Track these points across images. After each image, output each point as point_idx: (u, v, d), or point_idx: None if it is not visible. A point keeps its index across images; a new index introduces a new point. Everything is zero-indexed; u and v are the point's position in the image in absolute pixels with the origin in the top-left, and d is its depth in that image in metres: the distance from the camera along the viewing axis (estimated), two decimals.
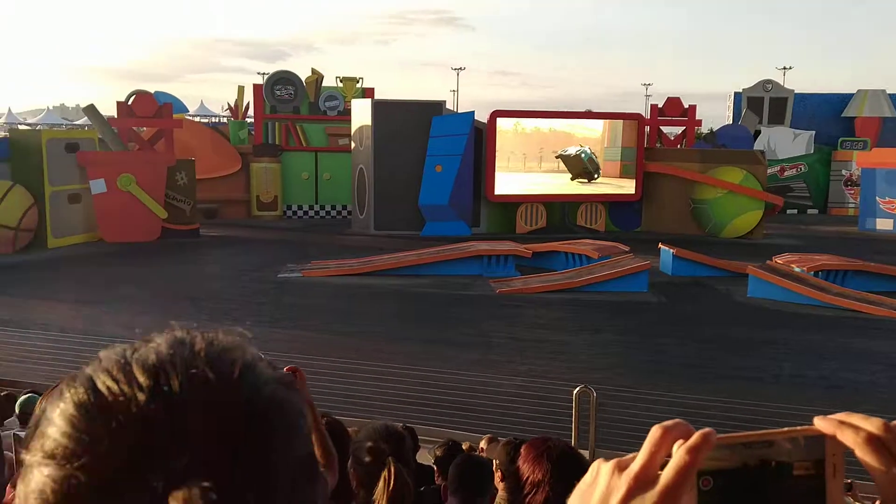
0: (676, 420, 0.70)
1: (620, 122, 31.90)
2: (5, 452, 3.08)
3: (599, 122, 32.07)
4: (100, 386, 0.62)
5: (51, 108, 55.53)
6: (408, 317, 17.62)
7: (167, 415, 0.60)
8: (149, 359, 0.65)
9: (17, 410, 6.63)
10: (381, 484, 2.43)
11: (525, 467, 2.19)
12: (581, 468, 2.06)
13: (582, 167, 31.27)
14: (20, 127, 41.60)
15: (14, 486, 2.21)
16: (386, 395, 11.19)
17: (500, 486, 3.41)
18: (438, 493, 3.89)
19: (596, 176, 31.51)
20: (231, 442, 0.62)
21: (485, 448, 6.98)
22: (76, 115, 50.35)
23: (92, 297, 19.10)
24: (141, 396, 0.61)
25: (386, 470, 2.42)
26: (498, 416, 10.31)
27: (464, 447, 6.96)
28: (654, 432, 0.69)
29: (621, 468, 0.68)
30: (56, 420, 0.61)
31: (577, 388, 9.36)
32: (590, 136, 31.64)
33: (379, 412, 10.02)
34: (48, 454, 0.60)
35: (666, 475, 0.65)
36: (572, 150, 31.24)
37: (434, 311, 18.26)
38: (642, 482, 0.66)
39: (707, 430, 0.68)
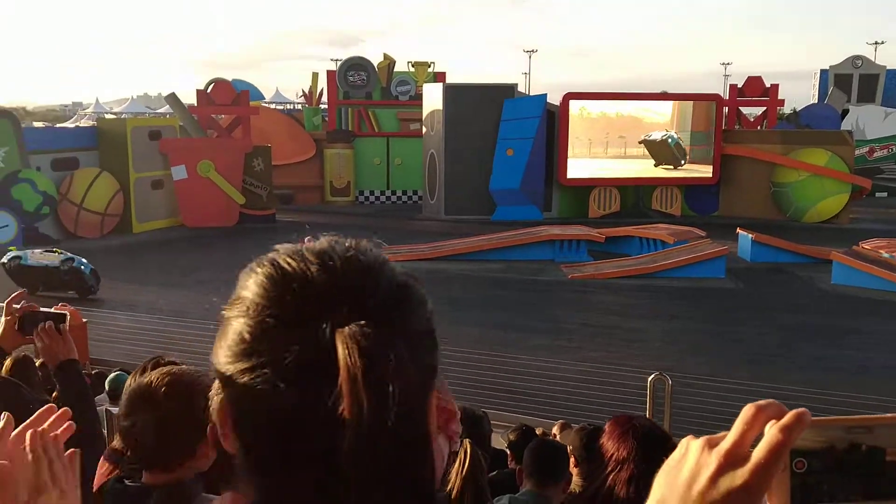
0: (770, 400, 0.69)
1: (690, 105, 31.02)
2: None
3: (668, 106, 31.23)
4: (281, 263, 0.81)
5: (135, 97, 57.58)
6: (478, 302, 17.63)
7: (331, 280, 0.78)
8: (316, 246, 0.84)
9: (106, 388, 6.95)
10: (456, 464, 2.45)
11: (609, 444, 2.17)
12: (666, 447, 2.05)
13: (669, 153, 30.49)
14: (106, 116, 43.30)
15: (107, 460, 2.31)
16: (456, 379, 11.24)
17: (574, 471, 3.40)
18: (513, 477, 3.89)
19: (683, 162, 30.73)
20: (379, 299, 0.79)
21: (557, 434, 6.93)
22: (159, 104, 52.08)
23: (174, 280, 19.80)
24: (312, 269, 0.80)
25: (462, 451, 2.43)
26: (569, 403, 10.23)
27: (537, 433, 6.95)
28: (747, 410, 0.68)
29: (711, 445, 0.68)
30: (250, 286, 0.82)
31: (652, 376, 9.19)
32: (658, 120, 30.88)
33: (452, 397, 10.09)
34: (244, 311, 0.81)
35: (758, 453, 0.65)
36: (657, 135, 30.49)
37: (505, 297, 18.22)
38: (733, 460, 0.66)
39: (801, 409, 0.67)
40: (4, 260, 17.62)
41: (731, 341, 14.81)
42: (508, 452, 5.15)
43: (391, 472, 0.75)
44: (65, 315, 2.62)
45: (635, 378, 10.30)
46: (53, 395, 2.74)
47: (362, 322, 0.75)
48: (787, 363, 13.51)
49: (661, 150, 30.61)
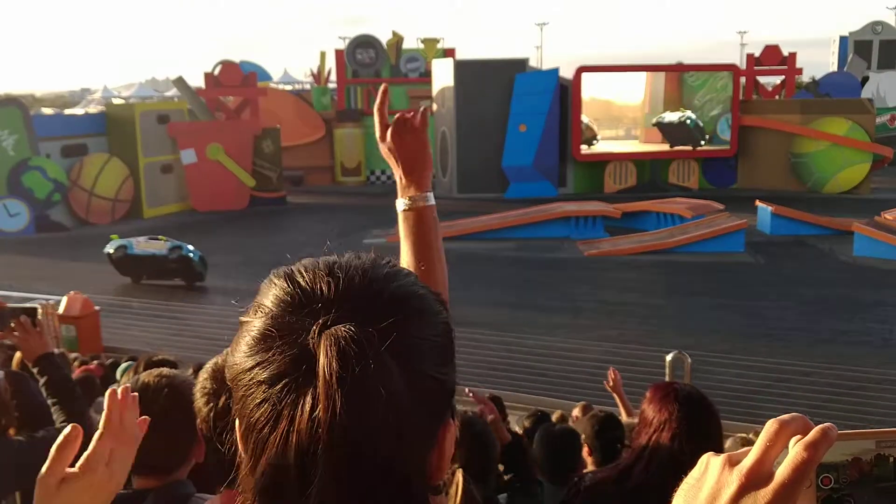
0: (794, 414, 0.65)
1: (662, 85, 30.53)
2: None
3: (641, 89, 30.73)
4: (295, 274, 0.84)
5: (143, 81, 57.45)
6: (493, 281, 17.40)
7: (329, 289, 0.80)
8: (331, 259, 0.86)
9: (118, 377, 6.79)
10: (447, 501, 2.20)
11: (650, 409, 2.16)
12: (709, 411, 2.13)
13: (686, 134, 29.92)
14: (114, 101, 43.19)
15: None
16: (473, 361, 11.04)
17: (588, 459, 3.23)
18: (529, 472, 3.66)
19: (703, 142, 30.20)
20: (377, 308, 0.79)
21: (578, 416, 6.71)
22: (167, 88, 51.93)
23: None
24: (321, 281, 0.82)
25: (454, 484, 2.19)
26: (587, 383, 9.99)
27: (554, 417, 6.72)
28: (770, 426, 0.64)
29: (732, 463, 0.65)
30: (268, 296, 0.84)
31: (671, 354, 8.95)
32: (630, 102, 30.56)
33: (467, 379, 9.89)
34: (261, 315, 0.82)
35: (782, 472, 0.62)
36: (674, 117, 30.00)
37: (520, 275, 17.98)
38: (755, 479, 0.63)
39: (827, 425, 0.64)
40: (110, 250, 17.32)
41: (751, 317, 14.51)
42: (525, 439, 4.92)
43: (364, 497, 0.74)
44: (36, 309, 2.67)
45: (654, 357, 10.05)
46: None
47: (348, 325, 0.76)
48: (809, 338, 13.21)
49: (677, 132, 30.09)
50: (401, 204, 1.47)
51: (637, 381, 9.74)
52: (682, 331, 13.47)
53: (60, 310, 11.53)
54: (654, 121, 30.17)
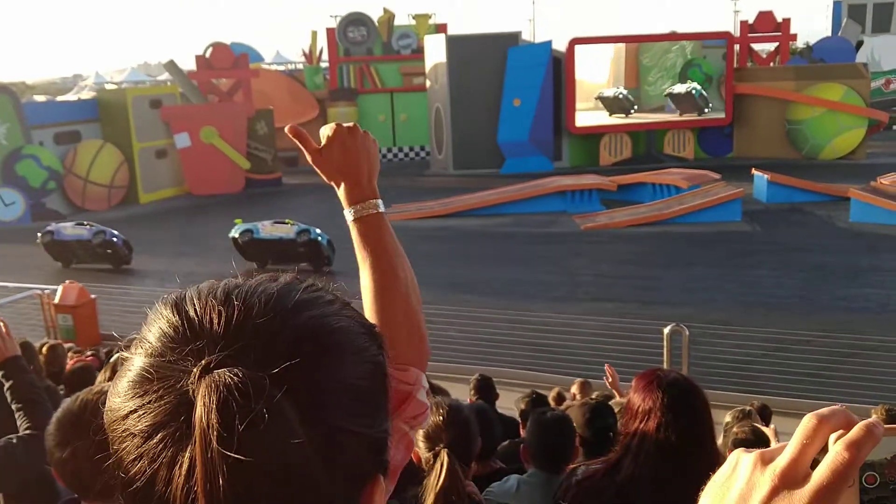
0: (833, 408, 0.60)
1: (623, 64, 30.94)
2: None
3: (606, 68, 31.18)
4: (187, 304, 0.71)
5: (135, 66, 56.99)
6: (491, 257, 17.42)
7: (219, 322, 0.67)
8: (231, 285, 0.72)
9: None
10: (431, 476, 2.22)
11: (635, 398, 2.12)
12: (694, 396, 2.08)
13: (692, 103, 30.37)
14: (106, 87, 42.87)
15: None
16: (472, 338, 11.08)
17: (579, 449, 3.19)
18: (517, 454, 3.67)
19: (707, 109, 30.47)
20: (272, 347, 0.66)
21: (577, 393, 6.75)
22: (159, 72, 51.53)
23: (185, 249, 19.69)
24: (213, 312, 0.68)
25: (438, 462, 2.18)
26: (586, 357, 10.02)
27: (550, 395, 6.76)
28: (808, 422, 0.59)
29: (765, 461, 0.59)
30: (153, 328, 0.71)
31: (669, 327, 8.98)
32: (597, 81, 31.27)
33: (465, 356, 9.95)
34: (141, 352, 0.70)
35: (821, 474, 0.56)
36: (682, 88, 30.42)
37: (517, 251, 17.98)
38: (790, 480, 0.57)
39: (871, 421, 0.58)
40: (235, 234, 17.15)
41: (748, 286, 14.55)
42: (520, 421, 4.96)
43: None
44: None
45: (652, 329, 10.07)
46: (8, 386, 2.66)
47: (235, 368, 0.63)
48: (808, 305, 13.25)
49: (685, 101, 30.55)
50: (349, 214, 1.34)
51: (636, 355, 9.81)
52: (680, 302, 13.52)
53: (56, 299, 11.52)
54: (665, 92, 30.78)
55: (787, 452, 0.58)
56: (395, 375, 1.21)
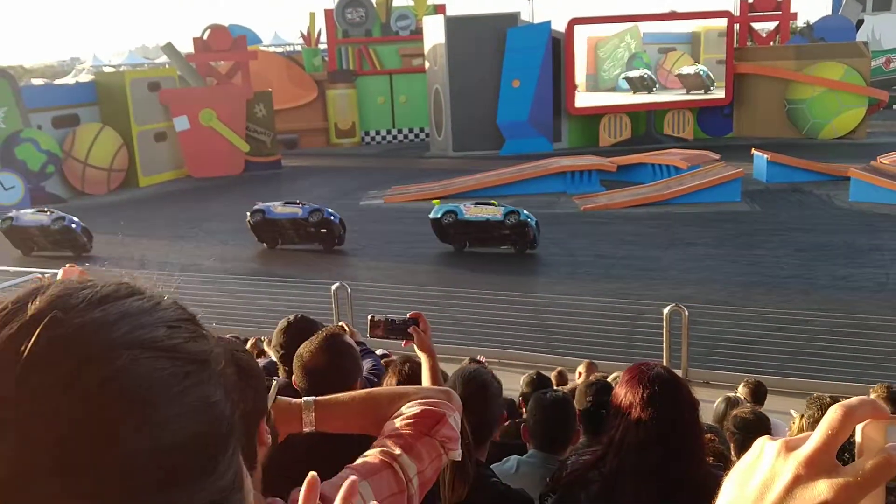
0: (861, 398, 0.60)
1: (585, 57, 31.04)
2: None
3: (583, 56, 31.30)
4: None
5: (133, 49, 56.75)
6: None
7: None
8: (50, 293, 0.59)
9: None
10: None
11: (620, 391, 2.13)
12: (678, 391, 2.08)
13: (700, 82, 30.82)
14: (104, 70, 42.66)
15: None
16: (474, 319, 11.12)
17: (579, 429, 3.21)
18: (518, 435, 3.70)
19: (712, 88, 30.78)
20: (46, 411, 0.53)
21: (583, 373, 6.78)
22: (156, 55, 51.25)
23: (184, 232, 19.70)
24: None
25: (449, 472, 2.18)
26: (587, 338, 10.07)
27: (552, 375, 6.80)
28: (834, 412, 0.58)
29: (790, 449, 0.59)
30: None
31: (668, 308, 9.02)
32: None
33: (468, 338, 9.98)
34: None
35: (861, 470, 0.56)
36: (690, 70, 30.97)
37: None
38: (814, 469, 0.57)
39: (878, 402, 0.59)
40: (437, 215, 16.44)
41: (748, 265, 14.58)
42: (521, 403, 4.99)
43: None
44: None
45: (652, 310, 10.11)
46: None
47: None
48: (807, 285, 13.28)
49: (694, 81, 30.89)
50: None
51: (636, 335, 9.87)
52: (680, 282, 13.55)
53: None
54: (675, 72, 31.26)
55: (811, 441, 0.58)
56: (430, 403, 1.30)
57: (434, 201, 17.46)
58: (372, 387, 3.26)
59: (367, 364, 3.76)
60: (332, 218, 16.97)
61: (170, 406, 0.57)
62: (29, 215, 17.73)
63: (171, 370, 0.58)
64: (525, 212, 16.12)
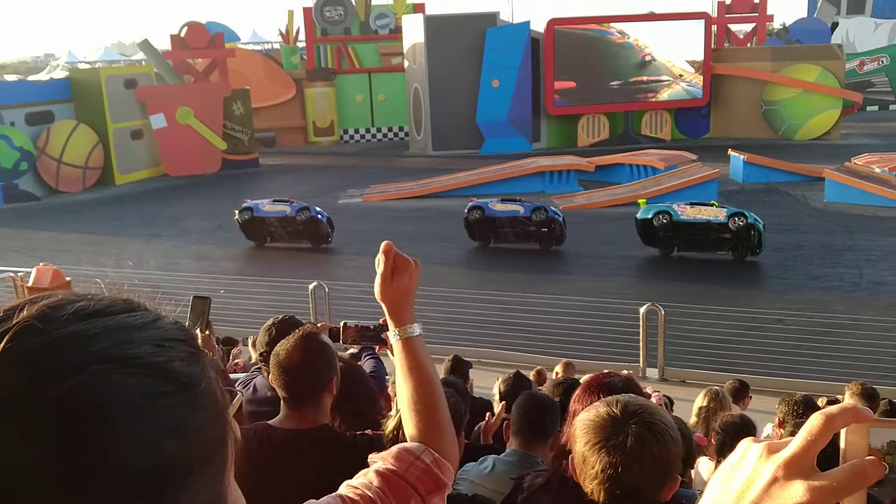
0: (843, 405, 0.62)
1: None
2: None
3: None
4: None
5: (108, 45, 56.13)
6: (470, 238, 17.41)
7: None
8: (46, 303, 0.59)
9: None
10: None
11: (574, 403, 2.10)
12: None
13: None
14: (79, 66, 42.15)
15: None
16: (451, 318, 11.12)
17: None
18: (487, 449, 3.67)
19: None
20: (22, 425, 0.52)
21: (560, 373, 6.79)
22: (133, 51, 50.76)
23: (161, 231, 19.51)
24: None
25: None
26: (566, 337, 10.11)
27: (532, 375, 6.80)
28: (815, 419, 0.61)
29: (771, 451, 0.62)
30: None
31: (644, 307, 9.07)
32: None
33: (446, 337, 9.96)
34: None
35: (797, 438, 0.60)
36: None
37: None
38: (792, 471, 0.60)
39: (859, 406, 0.61)
40: (647, 215, 15.52)
41: (725, 265, 14.70)
42: (498, 401, 4.96)
43: None
44: None
45: (629, 308, 10.17)
46: None
47: None
48: (783, 285, 13.42)
49: None
50: (396, 334, 1.45)
51: (613, 334, 9.91)
52: (657, 281, 13.64)
53: (30, 282, 11.36)
54: None
55: (792, 445, 0.61)
56: (440, 465, 1.30)
57: (640, 201, 16.65)
58: (374, 385, 3.26)
59: (368, 365, 3.76)
60: (318, 216, 16.90)
61: (136, 425, 0.55)
62: (267, 205, 17.22)
63: (144, 388, 0.56)
64: (753, 214, 15.09)
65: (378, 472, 1.27)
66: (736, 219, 14.80)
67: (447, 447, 1.38)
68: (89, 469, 0.52)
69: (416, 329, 1.46)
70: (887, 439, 0.61)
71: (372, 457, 1.34)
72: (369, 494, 1.21)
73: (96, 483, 0.52)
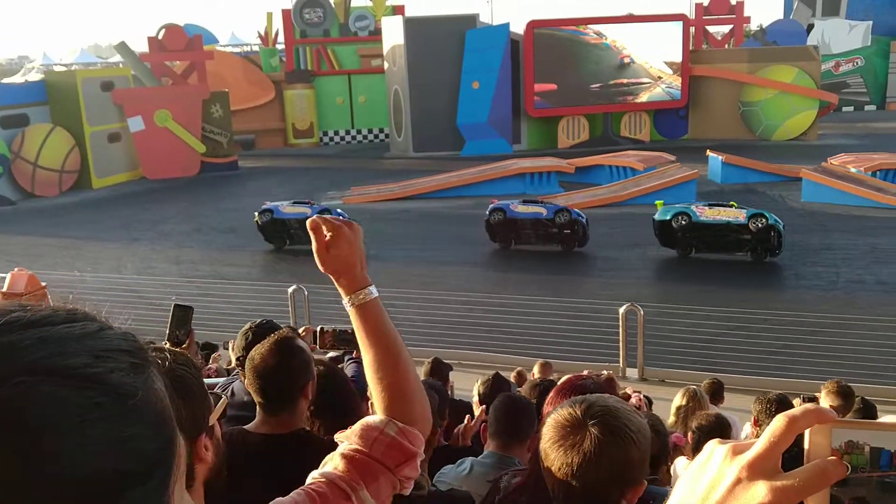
0: (805, 407, 0.63)
1: None
2: None
3: None
4: None
5: (85, 47, 55.56)
6: (451, 239, 17.42)
7: None
8: None
9: None
10: None
11: (547, 404, 2.09)
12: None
13: None
14: (55, 69, 41.68)
15: None
16: (431, 320, 11.11)
17: None
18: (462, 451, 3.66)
19: None
20: None
21: (537, 373, 6.79)
22: (110, 54, 50.29)
23: (139, 234, 19.33)
24: None
25: None
26: (545, 338, 10.13)
27: (513, 375, 6.80)
28: (778, 422, 0.62)
29: (736, 452, 0.63)
30: None
31: (624, 307, 9.10)
32: None
33: (427, 338, 9.95)
34: None
35: (760, 440, 0.61)
36: None
37: (478, 233, 17.99)
38: (755, 472, 0.61)
39: (822, 407, 0.63)
40: (665, 216, 15.37)
41: (704, 266, 14.79)
42: (477, 403, 4.95)
43: None
44: None
45: (609, 309, 10.20)
46: None
47: None
48: (760, 284, 13.53)
49: None
50: (349, 301, 1.41)
51: (593, 335, 9.94)
52: (637, 282, 13.71)
53: (4, 287, 11.20)
54: None
55: (755, 447, 0.62)
56: (406, 434, 1.27)
57: (657, 203, 16.54)
58: (354, 389, 3.23)
59: (349, 370, 3.74)
60: (340, 217, 16.77)
61: (65, 437, 0.53)
62: (287, 207, 16.98)
63: (76, 400, 0.54)
64: (773, 215, 15.07)
65: (343, 455, 1.25)
66: (756, 220, 14.79)
67: (416, 416, 1.34)
68: (13, 482, 0.51)
69: (372, 291, 1.41)
70: (846, 439, 0.62)
71: (337, 436, 1.31)
72: (335, 482, 1.19)
73: (23, 496, 0.51)
